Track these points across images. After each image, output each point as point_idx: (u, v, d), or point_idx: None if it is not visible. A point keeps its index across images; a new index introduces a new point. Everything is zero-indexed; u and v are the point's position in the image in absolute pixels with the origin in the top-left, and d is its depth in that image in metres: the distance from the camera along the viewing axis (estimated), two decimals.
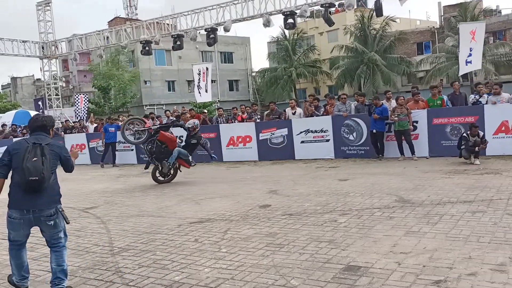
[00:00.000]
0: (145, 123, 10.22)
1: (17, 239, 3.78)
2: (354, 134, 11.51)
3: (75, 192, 9.57)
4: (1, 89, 58.98)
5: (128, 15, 47.88)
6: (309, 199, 6.88)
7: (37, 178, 3.57)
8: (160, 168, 9.73)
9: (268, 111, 13.76)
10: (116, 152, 15.22)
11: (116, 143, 15.08)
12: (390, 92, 12.12)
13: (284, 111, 13.06)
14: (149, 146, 9.58)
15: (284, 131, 12.55)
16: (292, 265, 4.02)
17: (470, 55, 11.41)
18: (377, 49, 35.89)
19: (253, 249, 4.60)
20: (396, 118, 10.39)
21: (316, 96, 14.16)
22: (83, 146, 16.54)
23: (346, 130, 11.60)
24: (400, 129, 10.44)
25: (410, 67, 36.06)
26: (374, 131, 10.77)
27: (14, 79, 57.04)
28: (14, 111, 25.27)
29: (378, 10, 13.36)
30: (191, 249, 4.77)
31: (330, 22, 14.52)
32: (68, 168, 4.09)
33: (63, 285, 3.78)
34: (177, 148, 9.57)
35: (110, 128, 15.14)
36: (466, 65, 11.76)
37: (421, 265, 3.71)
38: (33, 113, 24.16)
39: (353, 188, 7.55)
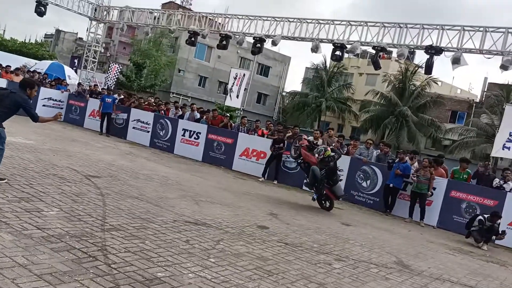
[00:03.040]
0: (302, 141, 9.82)
1: None
2: (368, 181, 11.31)
3: (83, 157, 9.57)
4: (44, 37, 60.16)
5: (182, 3, 48.59)
6: (307, 234, 6.70)
7: None
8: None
9: (290, 133, 13.64)
10: (125, 127, 15.84)
11: (111, 114, 15.81)
12: (416, 155, 11.86)
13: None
14: (302, 164, 9.45)
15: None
16: None
17: (509, 140, 10.98)
18: (411, 105, 35.64)
19: (242, 268, 4.45)
20: (415, 178, 10.17)
21: (341, 134, 13.97)
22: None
23: (361, 175, 11.41)
24: (417, 191, 10.19)
25: (438, 132, 35.65)
26: (391, 185, 10.56)
27: (58, 31, 58.21)
28: (50, 62, 25.58)
29: (429, 68, 13.21)
30: (180, 249, 4.64)
31: (377, 66, 14.43)
32: (30, 117, 5.78)
33: None
34: (313, 166, 8.77)
35: (107, 99, 15.71)
36: (503, 149, 11.22)
37: None
38: (67, 68, 24.49)
39: (354, 235, 7.35)
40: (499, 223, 8.93)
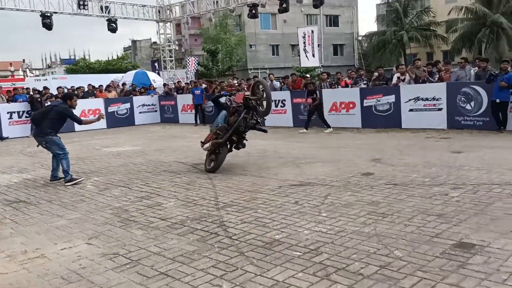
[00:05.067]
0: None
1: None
2: (472, 103, 10.42)
3: (186, 149, 10.26)
4: (124, 51, 64.42)
5: None
6: (416, 170, 6.47)
7: (32, 118, 7.33)
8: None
9: (375, 76, 13.07)
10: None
11: (202, 104, 16.41)
12: None
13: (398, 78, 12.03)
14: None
15: (391, 98, 11.86)
16: (396, 236, 3.84)
17: None
18: (504, 10, 31.57)
19: (354, 216, 4.49)
20: None
21: (430, 61, 12.99)
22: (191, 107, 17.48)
23: (463, 98, 10.55)
24: None
25: None
26: (498, 100, 9.63)
27: (134, 42, 61.84)
28: (134, 72, 27.34)
29: None
30: (291, 210, 4.82)
31: None
32: (75, 121, 6.99)
33: (66, 178, 6.68)
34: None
35: (196, 91, 16.20)
36: None
37: None
38: (150, 73, 26.08)
39: (468, 161, 6.91)
40: None
